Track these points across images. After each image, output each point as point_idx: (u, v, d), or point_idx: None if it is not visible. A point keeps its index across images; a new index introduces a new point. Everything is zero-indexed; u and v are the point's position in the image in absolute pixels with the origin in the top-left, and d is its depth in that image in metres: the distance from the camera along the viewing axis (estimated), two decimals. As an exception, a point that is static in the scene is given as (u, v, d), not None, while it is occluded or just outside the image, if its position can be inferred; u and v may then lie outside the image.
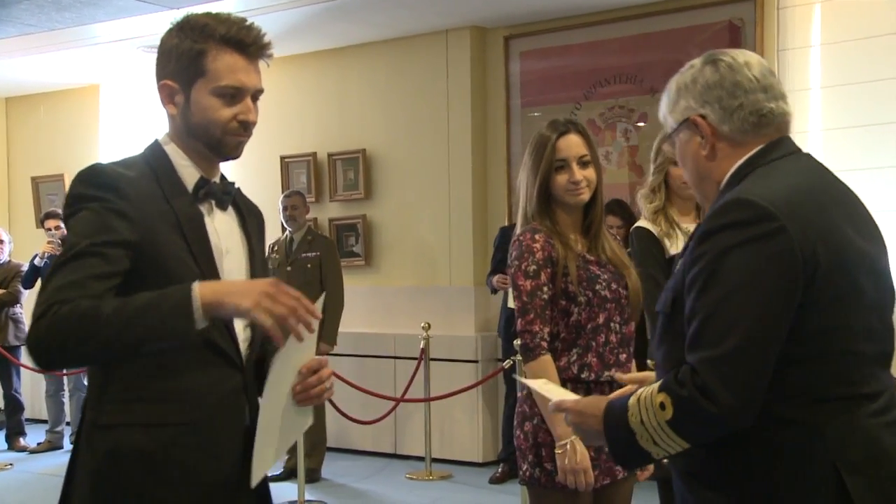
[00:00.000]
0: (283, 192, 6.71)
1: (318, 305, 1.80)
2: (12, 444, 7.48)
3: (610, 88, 6.37)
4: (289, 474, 6.12)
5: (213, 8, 2.02)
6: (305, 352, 1.87)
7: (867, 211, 1.82)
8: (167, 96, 1.92)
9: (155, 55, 1.95)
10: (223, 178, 2.01)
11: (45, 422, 7.67)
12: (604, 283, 2.72)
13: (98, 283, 1.73)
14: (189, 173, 1.92)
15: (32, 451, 7.36)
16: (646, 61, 6.21)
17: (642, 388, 1.73)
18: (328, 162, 7.33)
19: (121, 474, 1.81)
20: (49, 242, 6.93)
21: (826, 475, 1.64)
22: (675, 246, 3.15)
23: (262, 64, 1.96)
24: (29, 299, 7.14)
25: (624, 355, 2.75)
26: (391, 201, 7.12)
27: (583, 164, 2.73)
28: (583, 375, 2.68)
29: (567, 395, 1.98)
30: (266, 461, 1.85)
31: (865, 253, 1.73)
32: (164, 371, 1.81)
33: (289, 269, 6.28)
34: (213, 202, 1.95)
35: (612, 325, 2.72)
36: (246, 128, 1.92)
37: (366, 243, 7.21)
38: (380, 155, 7.16)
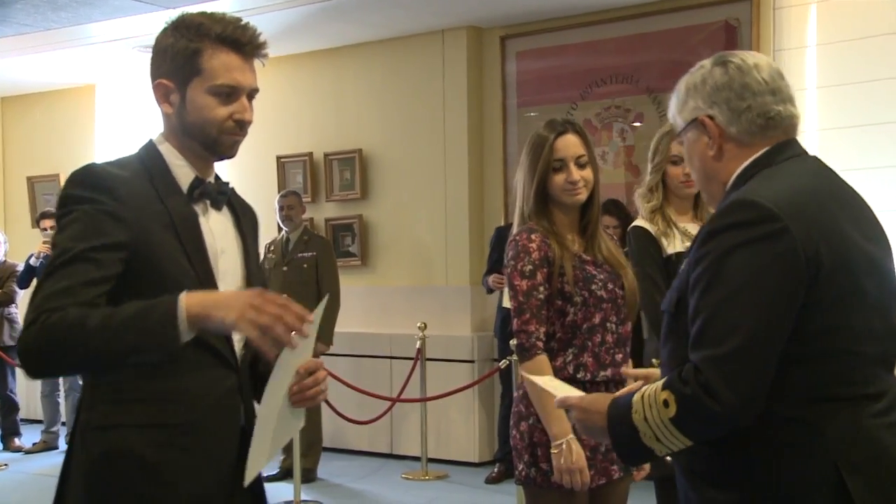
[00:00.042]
0: (279, 192, 6.70)
1: (320, 308, 1.81)
2: (7, 445, 7.47)
3: (606, 88, 6.37)
4: (285, 474, 6.11)
5: (209, 8, 2.02)
6: (304, 353, 1.87)
7: (872, 213, 1.83)
8: (162, 95, 1.91)
9: (150, 55, 1.95)
10: (218, 177, 2.00)
11: (40, 422, 7.65)
12: (600, 283, 2.72)
13: (90, 289, 1.73)
14: (184, 173, 1.92)
15: (28, 452, 7.35)
16: (642, 61, 6.21)
17: (646, 386, 1.74)
18: (324, 162, 7.33)
19: (115, 475, 1.80)
20: (45, 242, 6.92)
21: (827, 474, 1.65)
22: (672, 245, 3.15)
23: (258, 64, 1.95)
24: (24, 299, 7.13)
25: (620, 355, 2.75)
26: (387, 201, 7.12)
27: (580, 164, 2.73)
28: (578, 375, 2.68)
29: (572, 392, 2.00)
30: (260, 461, 1.85)
31: (869, 254, 1.74)
32: (159, 372, 1.80)
33: (285, 269, 6.27)
34: (209, 202, 1.94)
35: (608, 325, 2.72)
36: (242, 127, 1.92)
37: (362, 243, 7.21)
38: (376, 155, 7.15)
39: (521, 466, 2.73)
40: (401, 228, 7.06)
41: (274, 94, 7.25)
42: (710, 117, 1.81)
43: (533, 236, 2.71)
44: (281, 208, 6.35)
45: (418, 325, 6.39)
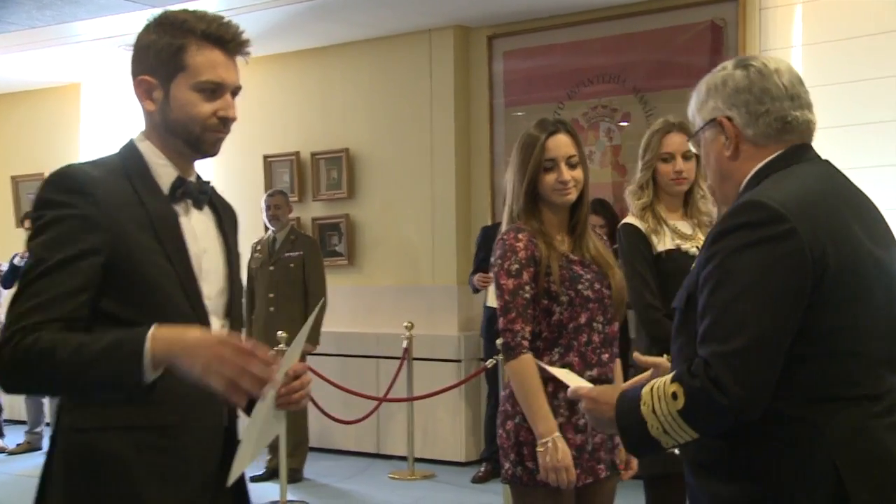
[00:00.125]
0: (265, 192, 6.69)
1: (314, 315, 1.81)
2: (-9, 445, 7.43)
3: (593, 88, 6.38)
4: (271, 474, 6.10)
5: (195, 7, 2.01)
6: (294, 356, 1.87)
7: (882, 217, 1.87)
8: (144, 92, 1.90)
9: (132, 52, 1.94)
10: (199, 176, 1.99)
11: (23, 423, 7.62)
12: (586, 283, 2.72)
13: (67, 301, 1.72)
14: (166, 172, 1.90)
15: (11, 453, 7.31)
16: (629, 61, 6.23)
17: (655, 379, 1.78)
18: (311, 161, 7.32)
19: (96, 477, 1.79)
20: (29, 242, 6.88)
21: (826, 473, 1.69)
22: (662, 242, 3.16)
23: (243, 62, 1.94)
24: (8, 299, 7.09)
25: (606, 355, 2.76)
26: (374, 201, 7.11)
27: (571, 164, 2.73)
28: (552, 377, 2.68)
29: (583, 384, 2.05)
30: (243, 462, 1.84)
31: (877, 256, 1.78)
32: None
33: (271, 268, 6.26)
34: (190, 202, 1.93)
35: (594, 324, 2.73)
36: (225, 124, 1.91)
37: (349, 243, 7.20)
38: (363, 154, 7.15)
39: (507, 465, 2.73)
40: (388, 228, 7.06)
41: (261, 94, 7.23)
42: (729, 118, 1.85)
43: (520, 235, 2.71)
44: (268, 207, 6.33)
45: (405, 324, 6.38)
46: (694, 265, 1.84)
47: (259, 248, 6.37)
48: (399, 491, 6.06)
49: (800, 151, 1.85)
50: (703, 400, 1.68)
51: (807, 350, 1.70)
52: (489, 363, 5.71)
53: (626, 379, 2.76)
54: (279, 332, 5.66)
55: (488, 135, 6.75)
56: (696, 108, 1.92)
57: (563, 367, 2.68)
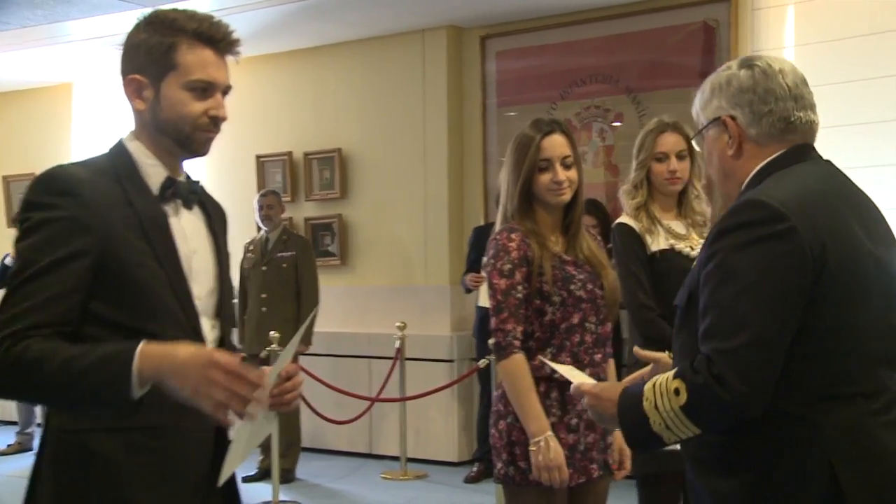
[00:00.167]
0: (258, 192, 6.68)
1: (307, 321, 1.82)
2: (-18, 447, 7.41)
3: (586, 88, 6.39)
4: (263, 474, 6.10)
5: (189, 7, 2.00)
6: (287, 358, 1.87)
7: (882, 217, 1.89)
8: (135, 91, 1.89)
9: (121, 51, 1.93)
10: (188, 176, 1.98)
11: (14, 423, 7.59)
12: (579, 284, 2.73)
13: (57, 304, 1.72)
14: (155, 172, 1.89)
15: (2, 454, 7.29)
16: (621, 61, 6.24)
17: (658, 376, 1.80)
18: (304, 161, 7.31)
19: (87, 479, 1.78)
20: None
21: (821, 470, 1.71)
22: (656, 242, 3.16)
23: (233, 62, 1.94)
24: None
25: (599, 355, 2.76)
26: (367, 201, 7.11)
27: (566, 164, 2.74)
28: (556, 375, 2.68)
29: (587, 380, 2.08)
30: (233, 462, 1.84)
31: (877, 256, 1.80)
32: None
33: (264, 268, 6.25)
34: (180, 202, 1.92)
35: (586, 325, 2.73)
36: (216, 123, 1.90)
37: (341, 243, 7.19)
38: (356, 154, 7.14)
39: (499, 465, 2.73)
40: (380, 228, 7.06)
41: (253, 94, 7.22)
42: (732, 117, 1.87)
43: (513, 235, 2.71)
44: (260, 207, 6.32)
45: (397, 324, 6.38)
46: (695, 263, 1.87)
47: (252, 248, 6.37)
48: (391, 491, 6.05)
49: (801, 151, 1.87)
50: (705, 396, 1.70)
51: (805, 348, 1.72)
52: (482, 363, 5.71)
53: (619, 379, 2.77)
54: (271, 333, 5.66)
55: (481, 135, 6.75)
56: (701, 106, 1.95)
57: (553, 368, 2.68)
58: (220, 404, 1.66)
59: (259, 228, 6.40)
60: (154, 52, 1.86)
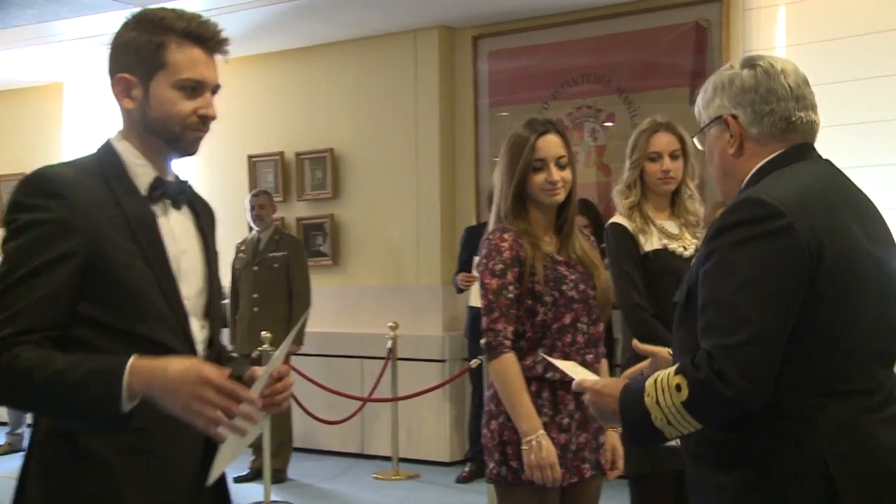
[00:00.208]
0: (250, 192, 6.67)
1: (298, 326, 1.81)
2: (-28, 447, 7.38)
3: (578, 88, 6.39)
4: (255, 475, 6.09)
5: (181, 7, 2.00)
6: (279, 360, 1.87)
7: (881, 216, 1.91)
8: (123, 90, 1.88)
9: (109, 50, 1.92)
10: (176, 176, 1.97)
11: (4, 424, 7.57)
12: (571, 284, 2.73)
13: (45, 308, 1.71)
14: (144, 172, 1.88)
15: (-7, 454, 7.26)
16: (613, 61, 6.24)
17: (659, 372, 1.81)
18: (296, 161, 7.30)
19: (75, 479, 1.77)
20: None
21: (816, 466, 1.73)
22: (649, 242, 3.16)
23: (223, 61, 1.93)
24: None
25: (591, 355, 2.76)
26: (359, 201, 7.10)
27: (560, 165, 2.74)
28: (547, 375, 2.69)
29: (589, 376, 2.10)
30: (223, 462, 1.84)
31: (874, 254, 1.82)
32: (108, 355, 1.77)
33: (256, 268, 6.24)
34: (168, 202, 1.91)
35: (578, 325, 2.73)
36: (205, 122, 1.89)
37: (333, 243, 7.19)
38: (348, 154, 7.14)
39: (491, 465, 2.73)
40: (372, 228, 7.05)
41: (245, 93, 7.21)
42: (734, 116, 1.89)
43: (505, 235, 2.72)
44: (252, 207, 6.31)
45: (389, 324, 6.38)
46: (693, 261, 1.89)
47: (243, 248, 6.35)
48: (383, 491, 6.05)
49: (801, 151, 1.89)
50: (707, 392, 1.71)
51: (801, 345, 1.74)
52: (473, 363, 5.71)
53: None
54: (263, 333, 5.65)
55: (473, 135, 6.75)
56: (703, 105, 1.96)
57: (546, 368, 2.68)
58: (211, 420, 1.67)
59: (251, 228, 6.39)
60: (143, 51, 1.85)
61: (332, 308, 6.96)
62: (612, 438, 2.82)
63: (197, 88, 1.87)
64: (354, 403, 6.32)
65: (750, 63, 1.91)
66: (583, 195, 5.82)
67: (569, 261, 2.77)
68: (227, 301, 6.32)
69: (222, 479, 1.94)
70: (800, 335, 1.73)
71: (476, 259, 5.10)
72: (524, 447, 2.62)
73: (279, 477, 6.13)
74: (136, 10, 1.93)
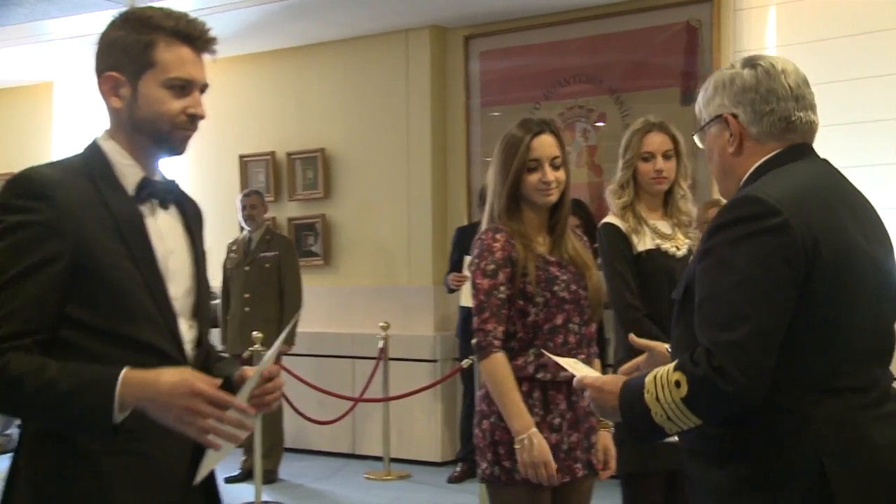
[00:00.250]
0: (241, 191, 6.65)
1: (288, 328, 1.83)
2: (-38, 448, 7.35)
3: (569, 88, 6.39)
4: (246, 475, 6.08)
5: (173, 5, 1.99)
6: (270, 361, 1.87)
7: (877, 215, 1.93)
8: (111, 89, 1.87)
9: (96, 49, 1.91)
10: (163, 175, 1.96)
11: (-5, 424, 7.55)
12: (562, 285, 2.73)
13: (33, 311, 1.71)
14: (131, 172, 1.87)
15: (-17, 455, 7.24)
16: (605, 62, 6.25)
17: (658, 369, 1.83)
18: (287, 161, 7.29)
19: (64, 479, 1.77)
20: None
21: (810, 462, 1.75)
22: (642, 242, 3.16)
23: (211, 60, 1.93)
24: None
25: (583, 356, 2.75)
26: (350, 201, 7.09)
27: (555, 165, 2.74)
28: (538, 375, 2.69)
29: (591, 372, 2.12)
30: (211, 461, 1.84)
31: (870, 253, 1.84)
32: (99, 366, 1.76)
33: (247, 268, 6.23)
34: (156, 202, 1.90)
35: (570, 325, 2.73)
36: (194, 121, 1.88)
37: (325, 243, 7.18)
38: (339, 154, 7.13)
39: (483, 465, 2.73)
40: (364, 228, 7.05)
41: (236, 93, 7.20)
42: (734, 115, 1.91)
43: (497, 236, 2.72)
44: (243, 207, 6.30)
45: (381, 324, 6.37)
46: (691, 259, 1.91)
47: (234, 248, 6.34)
48: (374, 491, 6.04)
49: (799, 150, 1.91)
50: (706, 388, 1.73)
51: (797, 341, 1.75)
52: (465, 363, 5.71)
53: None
54: (254, 333, 5.64)
55: (464, 135, 6.75)
56: (704, 103, 1.98)
57: (537, 368, 2.69)
58: (204, 430, 1.68)
59: (242, 228, 6.37)
60: (131, 50, 1.84)
61: (323, 308, 6.95)
62: (604, 438, 2.82)
63: (186, 87, 1.87)
64: (346, 403, 6.31)
65: (751, 63, 1.93)
66: (574, 195, 5.80)
67: (561, 261, 2.77)
68: (218, 301, 6.31)
69: (211, 479, 1.93)
70: (796, 331, 1.75)
71: (467, 259, 5.10)
72: (517, 446, 2.62)
73: (270, 477, 6.12)
74: (125, 7, 1.92)
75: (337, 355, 6.89)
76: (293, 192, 7.29)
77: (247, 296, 6.19)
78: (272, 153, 7.35)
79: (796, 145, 1.90)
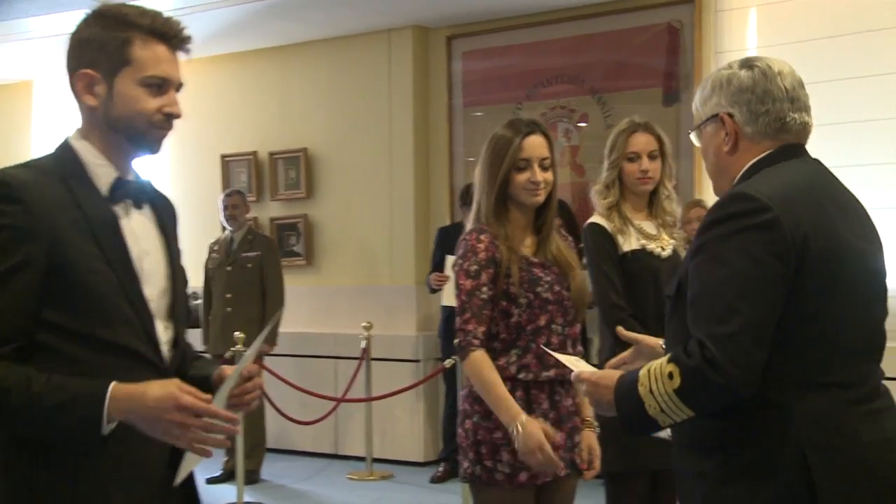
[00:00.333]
0: (223, 191, 6.62)
1: (268, 327, 1.84)
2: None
3: (552, 89, 6.41)
4: (228, 476, 6.06)
5: (155, 4, 1.98)
6: (249, 359, 1.86)
7: (866, 213, 1.97)
8: (85, 87, 1.85)
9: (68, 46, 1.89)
10: (137, 175, 1.94)
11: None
12: (546, 286, 2.73)
13: (12, 316, 1.70)
14: (104, 172, 1.85)
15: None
16: (587, 62, 6.27)
17: (652, 362, 1.86)
18: (269, 161, 7.27)
19: (40, 481, 1.76)
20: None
21: (794, 457, 1.77)
22: (627, 243, 3.17)
23: (185, 59, 1.91)
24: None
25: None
26: (333, 201, 7.08)
27: (544, 166, 2.74)
28: (521, 376, 2.69)
29: (587, 367, 2.17)
30: (190, 462, 1.83)
31: (859, 250, 1.87)
32: (85, 379, 1.75)
33: (229, 268, 6.21)
34: (130, 202, 1.88)
35: (553, 326, 2.73)
36: (169, 120, 1.87)
37: (307, 243, 7.16)
38: (321, 154, 7.12)
39: (466, 464, 2.73)
40: (346, 228, 7.03)
41: (218, 93, 7.17)
42: (730, 115, 1.95)
43: (482, 237, 2.72)
44: (225, 207, 6.28)
45: (363, 324, 6.37)
46: (685, 255, 1.94)
47: (216, 248, 6.32)
48: (357, 491, 6.04)
49: (792, 150, 1.94)
50: (699, 379, 1.75)
51: (786, 335, 1.78)
52: (447, 363, 5.71)
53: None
54: (236, 333, 5.62)
55: (447, 135, 6.75)
56: (700, 102, 2.02)
57: (519, 368, 2.69)
58: (192, 441, 1.69)
59: (224, 228, 6.35)
60: (108, 47, 1.82)
61: (305, 308, 6.94)
62: (589, 438, 2.82)
63: (162, 86, 1.85)
64: (328, 404, 6.30)
65: (748, 64, 1.96)
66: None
67: (544, 262, 2.77)
68: (199, 301, 6.29)
69: (191, 480, 1.92)
70: (785, 326, 1.78)
71: (449, 259, 5.10)
72: (512, 436, 2.59)
73: (252, 478, 6.10)
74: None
75: (319, 355, 6.87)
76: (275, 191, 7.27)
77: (229, 296, 6.17)
78: (254, 153, 7.33)
79: (789, 145, 1.94)
